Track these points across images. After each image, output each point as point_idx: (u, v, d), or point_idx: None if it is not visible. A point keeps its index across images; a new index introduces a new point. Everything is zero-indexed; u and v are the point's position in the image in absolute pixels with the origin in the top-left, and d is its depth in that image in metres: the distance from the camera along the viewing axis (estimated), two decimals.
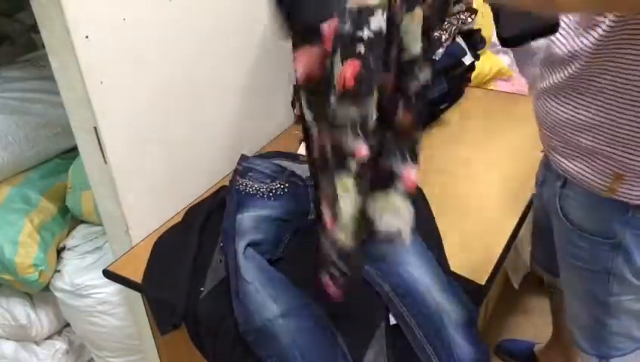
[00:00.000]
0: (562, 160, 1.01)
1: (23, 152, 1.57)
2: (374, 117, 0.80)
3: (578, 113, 0.93)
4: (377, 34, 0.78)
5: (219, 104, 1.45)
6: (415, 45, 0.86)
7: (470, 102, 1.82)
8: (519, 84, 2.23)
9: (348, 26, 0.77)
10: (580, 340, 1.19)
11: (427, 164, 1.46)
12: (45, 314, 1.63)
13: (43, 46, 1.09)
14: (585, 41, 0.89)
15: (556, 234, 1.12)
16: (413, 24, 0.85)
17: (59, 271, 1.55)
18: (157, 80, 1.24)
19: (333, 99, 0.78)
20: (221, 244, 1.22)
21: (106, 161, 1.17)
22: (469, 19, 1.64)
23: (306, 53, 0.79)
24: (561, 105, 0.96)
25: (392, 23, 0.81)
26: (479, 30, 1.74)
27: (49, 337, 1.68)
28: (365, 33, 0.77)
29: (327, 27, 0.77)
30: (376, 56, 0.79)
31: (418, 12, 0.84)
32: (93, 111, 1.11)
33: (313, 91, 0.81)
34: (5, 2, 2.03)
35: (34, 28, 1.15)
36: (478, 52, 1.75)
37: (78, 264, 1.54)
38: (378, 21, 0.78)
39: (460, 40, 1.63)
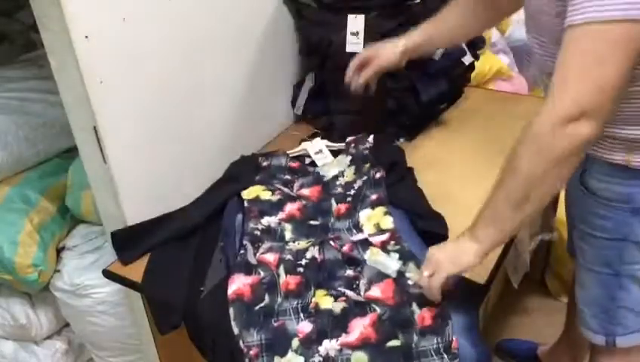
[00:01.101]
0: None
1: (23, 152, 1.57)
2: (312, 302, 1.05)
3: None
4: (312, 259, 1.12)
5: (219, 104, 1.45)
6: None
7: (470, 102, 1.82)
8: (519, 83, 2.23)
9: (289, 257, 1.12)
10: (589, 319, 1.23)
11: (426, 164, 1.46)
12: (45, 313, 1.63)
13: (42, 45, 1.09)
14: None
15: (579, 210, 1.17)
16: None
17: (58, 270, 1.55)
18: (156, 79, 1.24)
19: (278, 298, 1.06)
20: (221, 244, 1.22)
21: (105, 161, 1.17)
22: None
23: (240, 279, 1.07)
24: None
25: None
26: None
27: (49, 337, 1.68)
28: (304, 261, 1.12)
29: (273, 257, 1.13)
30: (312, 271, 1.09)
31: (374, 249, 1.14)
32: (92, 110, 1.11)
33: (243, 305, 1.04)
34: (5, 2, 2.03)
35: (33, 27, 1.15)
36: (478, 52, 1.75)
37: (77, 264, 1.53)
38: (312, 252, 1.13)
39: None
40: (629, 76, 0.85)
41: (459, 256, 0.96)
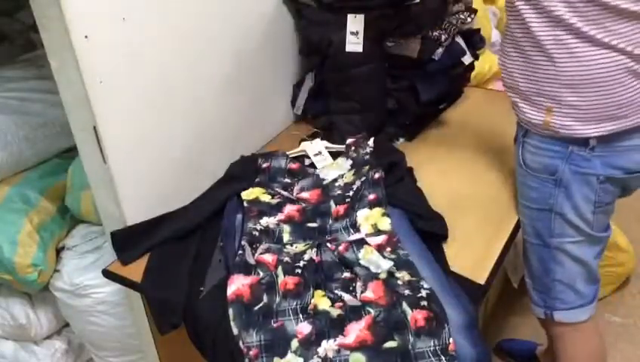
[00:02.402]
0: (517, 108, 1.19)
1: (23, 152, 1.57)
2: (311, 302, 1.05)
3: (513, 61, 1.15)
4: (310, 261, 1.12)
5: (218, 103, 1.45)
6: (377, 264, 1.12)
7: (469, 101, 1.82)
8: None
9: (287, 259, 1.12)
10: (532, 292, 1.33)
11: (426, 164, 1.46)
12: (44, 313, 1.63)
13: (42, 45, 1.09)
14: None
15: (517, 184, 1.28)
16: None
17: (58, 270, 1.55)
18: (156, 79, 1.24)
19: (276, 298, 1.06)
20: (221, 244, 1.22)
21: (105, 161, 1.17)
22: (469, 19, 1.64)
23: (239, 279, 1.08)
24: (506, 58, 1.18)
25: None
26: (478, 30, 1.74)
27: (48, 337, 1.68)
28: (302, 263, 1.12)
29: (272, 258, 1.12)
30: (310, 273, 1.10)
31: (368, 248, 1.15)
32: (92, 110, 1.11)
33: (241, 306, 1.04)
34: (5, 2, 2.03)
35: (33, 27, 1.15)
36: (478, 52, 1.75)
37: (77, 264, 1.54)
38: (309, 254, 1.13)
39: (459, 39, 1.63)
40: None
41: None
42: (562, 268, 1.23)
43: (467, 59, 1.65)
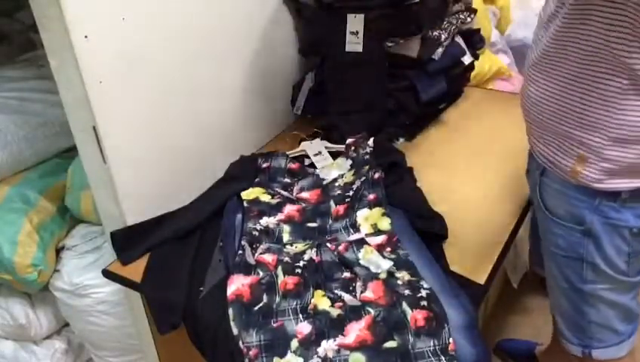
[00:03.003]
0: (536, 142, 1.07)
1: (22, 152, 1.57)
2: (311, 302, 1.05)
3: (545, 94, 1.00)
4: (310, 261, 1.13)
5: (218, 103, 1.45)
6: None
7: (469, 101, 1.82)
8: (518, 83, 2.23)
9: (287, 259, 1.13)
10: (564, 329, 1.22)
11: (426, 164, 1.46)
12: (44, 313, 1.63)
13: (42, 45, 1.09)
14: (545, 32, 0.99)
15: (538, 223, 1.17)
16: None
17: (58, 270, 1.55)
18: (156, 79, 1.24)
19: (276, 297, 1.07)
20: (221, 244, 1.22)
21: (105, 161, 1.17)
22: (468, 19, 1.64)
23: (239, 279, 1.08)
24: (533, 86, 1.03)
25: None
26: (478, 30, 1.74)
27: (48, 337, 1.68)
28: (301, 263, 1.12)
29: (271, 258, 1.13)
30: (310, 272, 1.10)
31: (368, 248, 1.15)
32: (92, 110, 1.11)
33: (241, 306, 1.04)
34: (5, 2, 2.03)
35: (33, 27, 1.15)
36: (478, 51, 1.75)
37: (77, 264, 1.53)
38: (309, 254, 1.14)
39: (459, 39, 1.63)
40: None
41: None
42: (597, 311, 1.12)
43: (467, 59, 1.65)
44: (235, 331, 1.01)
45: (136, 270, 1.21)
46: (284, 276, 1.09)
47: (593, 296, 1.10)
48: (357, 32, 1.46)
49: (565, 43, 0.94)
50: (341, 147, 1.48)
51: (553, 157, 1.02)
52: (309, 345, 0.98)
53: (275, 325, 1.01)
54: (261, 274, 1.10)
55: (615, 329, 1.15)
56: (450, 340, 0.96)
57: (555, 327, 1.25)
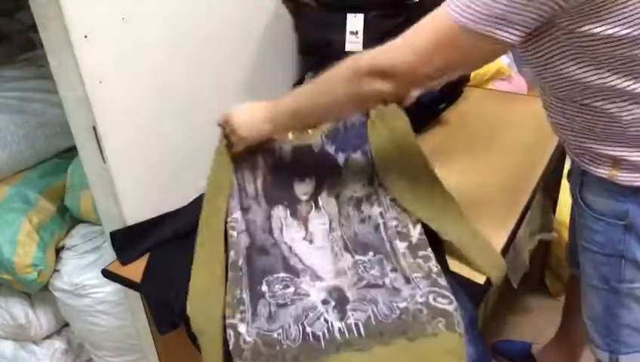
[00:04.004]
0: (571, 153, 1.10)
1: (22, 152, 1.57)
2: None
3: (558, 119, 1.04)
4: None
5: (218, 104, 1.44)
6: None
7: (469, 101, 1.82)
8: (518, 83, 2.23)
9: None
10: (593, 333, 1.21)
11: None
12: (44, 313, 1.63)
13: (42, 45, 1.09)
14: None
15: (576, 221, 1.17)
16: None
17: (58, 270, 1.55)
18: (156, 79, 1.24)
19: None
20: None
21: (104, 161, 1.17)
22: None
23: None
24: (547, 111, 1.07)
25: None
26: None
27: (48, 337, 1.68)
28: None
29: None
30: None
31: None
32: (92, 110, 1.11)
33: None
34: (5, 2, 2.03)
35: (33, 27, 1.15)
36: None
37: (77, 263, 1.53)
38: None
39: None
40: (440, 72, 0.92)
41: (255, 128, 1.13)
42: (630, 313, 1.13)
43: None
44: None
45: (135, 270, 1.21)
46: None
47: (629, 296, 1.10)
48: (357, 32, 1.46)
49: (545, 81, 0.98)
50: None
51: (588, 168, 1.04)
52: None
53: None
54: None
55: None
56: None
57: (585, 333, 1.25)
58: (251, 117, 1.13)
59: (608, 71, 0.87)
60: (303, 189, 1.23)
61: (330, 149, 1.28)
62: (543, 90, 1.04)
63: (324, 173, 1.24)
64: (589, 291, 1.18)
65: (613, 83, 0.88)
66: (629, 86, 0.88)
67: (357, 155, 1.26)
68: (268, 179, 1.23)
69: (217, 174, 1.22)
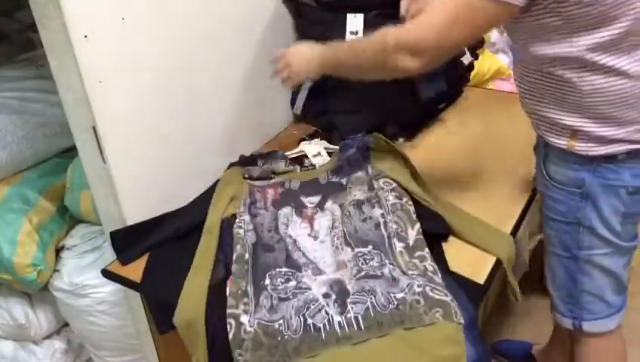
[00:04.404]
0: (534, 126, 1.18)
1: (22, 152, 1.57)
2: None
3: (524, 88, 1.13)
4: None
5: (218, 104, 1.45)
6: None
7: (469, 101, 1.82)
8: None
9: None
10: (558, 302, 1.29)
11: (426, 164, 1.46)
12: (44, 313, 1.63)
13: (42, 45, 1.09)
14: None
15: (543, 192, 1.23)
16: None
17: (58, 270, 1.55)
18: (156, 79, 1.24)
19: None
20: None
21: (104, 161, 1.17)
22: None
23: None
24: (516, 82, 1.16)
25: None
26: None
27: (48, 337, 1.68)
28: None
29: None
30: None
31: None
32: (92, 110, 1.11)
33: None
34: (4, 2, 2.02)
35: (33, 27, 1.15)
36: (477, 51, 1.75)
37: (76, 263, 1.53)
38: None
39: None
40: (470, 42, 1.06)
41: (307, 67, 1.21)
42: (590, 280, 1.20)
43: (467, 59, 1.65)
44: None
45: (135, 270, 1.21)
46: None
47: (588, 262, 1.18)
48: (357, 32, 1.46)
49: (525, 50, 1.06)
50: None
51: (550, 139, 1.12)
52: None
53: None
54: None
55: (606, 300, 1.21)
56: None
57: (551, 302, 1.32)
58: (305, 57, 1.21)
59: (578, 38, 0.96)
60: (310, 200, 1.28)
61: (335, 180, 1.33)
62: (517, 63, 1.13)
63: (330, 191, 1.30)
64: (553, 260, 1.26)
65: (580, 53, 0.97)
66: (593, 57, 0.97)
67: (358, 173, 1.32)
68: (277, 199, 1.29)
69: (218, 203, 1.27)
